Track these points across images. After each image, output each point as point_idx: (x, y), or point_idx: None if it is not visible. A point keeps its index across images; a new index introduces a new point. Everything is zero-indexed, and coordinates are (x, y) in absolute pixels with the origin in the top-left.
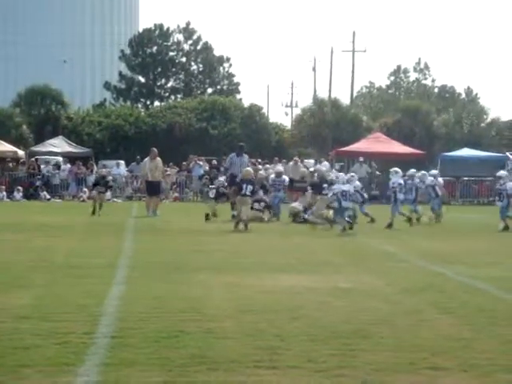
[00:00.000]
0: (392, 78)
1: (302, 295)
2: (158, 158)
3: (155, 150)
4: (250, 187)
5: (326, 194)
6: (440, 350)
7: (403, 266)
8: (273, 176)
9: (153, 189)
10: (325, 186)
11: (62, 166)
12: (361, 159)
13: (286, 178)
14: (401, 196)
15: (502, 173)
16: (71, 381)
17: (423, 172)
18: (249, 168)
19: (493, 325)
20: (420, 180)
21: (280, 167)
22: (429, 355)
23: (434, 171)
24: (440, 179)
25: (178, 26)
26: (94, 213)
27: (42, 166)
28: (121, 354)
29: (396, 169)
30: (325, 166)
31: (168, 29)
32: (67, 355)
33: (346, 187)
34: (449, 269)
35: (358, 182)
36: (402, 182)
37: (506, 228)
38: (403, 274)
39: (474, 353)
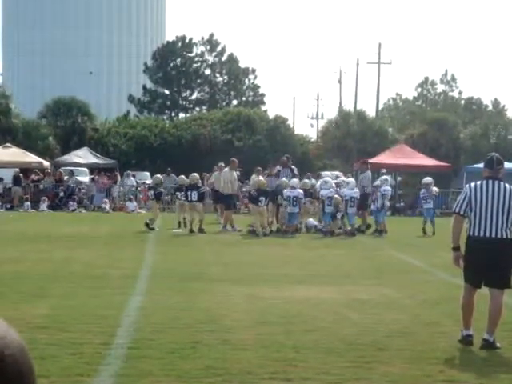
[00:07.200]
0: (419, 90)
1: (319, 307)
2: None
3: (236, 160)
4: (263, 198)
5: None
6: (457, 362)
7: (425, 278)
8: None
9: (226, 201)
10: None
11: (87, 177)
12: (383, 171)
13: (300, 191)
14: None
15: None
16: None
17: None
18: (261, 178)
19: None
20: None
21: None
22: (446, 367)
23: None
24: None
25: (203, 38)
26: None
27: (66, 178)
28: (136, 365)
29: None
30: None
31: (191, 40)
32: (82, 366)
33: (292, 193)
34: None
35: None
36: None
37: None
38: (424, 286)
39: (492, 365)
